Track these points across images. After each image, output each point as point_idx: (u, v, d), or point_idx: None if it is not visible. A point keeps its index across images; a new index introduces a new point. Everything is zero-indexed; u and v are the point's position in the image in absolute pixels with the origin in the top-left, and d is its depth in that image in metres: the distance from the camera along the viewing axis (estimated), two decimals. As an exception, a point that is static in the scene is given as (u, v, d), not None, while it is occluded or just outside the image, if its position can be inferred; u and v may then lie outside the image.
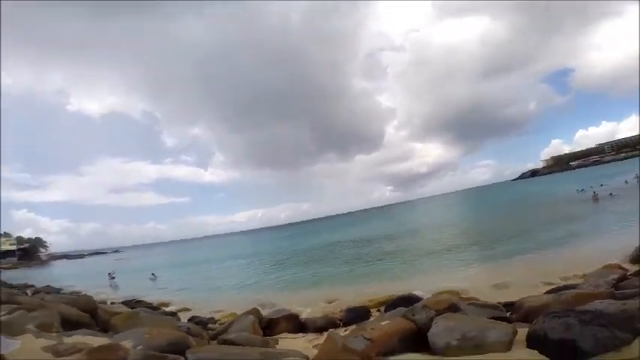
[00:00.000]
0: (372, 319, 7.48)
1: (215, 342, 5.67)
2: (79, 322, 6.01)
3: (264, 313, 8.26)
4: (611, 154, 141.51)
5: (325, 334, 6.67)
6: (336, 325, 7.54)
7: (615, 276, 5.40)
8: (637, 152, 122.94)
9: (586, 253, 10.83)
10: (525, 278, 8.89)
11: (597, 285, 5.06)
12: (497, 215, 30.68)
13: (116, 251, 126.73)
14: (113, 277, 24.77)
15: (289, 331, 7.06)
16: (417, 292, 8.76)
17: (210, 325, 8.34)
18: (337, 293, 11.47)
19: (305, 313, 8.90)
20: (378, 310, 8.46)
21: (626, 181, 33.99)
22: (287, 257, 27.94)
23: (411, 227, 35.79)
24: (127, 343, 3.87)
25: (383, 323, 4.40)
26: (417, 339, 3.99)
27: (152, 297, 16.33)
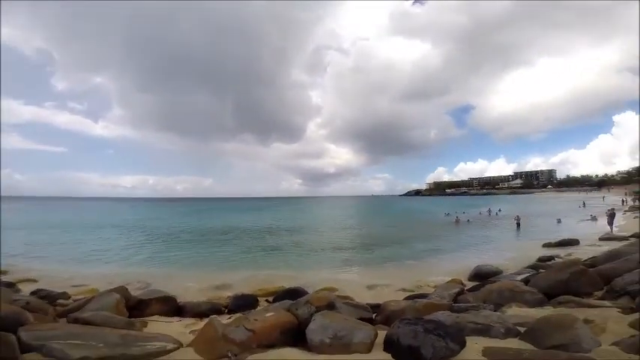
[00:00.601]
0: (258, 308, 7.54)
1: (64, 320, 4.81)
2: None
3: (136, 293, 7.40)
4: (476, 189, 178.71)
5: (206, 320, 6.43)
6: (220, 312, 7.28)
7: (456, 290, 6.77)
8: (494, 190, 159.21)
9: (440, 267, 13.25)
10: (392, 282, 10.29)
11: (442, 296, 6.27)
12: (382, 223, 34.72)
13: None
14: None
15: (163, 314, 6.45)
16: (305, 286, 9.28)
17: (60, 301, 6.98)
18: (227, 279, 11.14)
19: (187, 297, 8.32)
20: (267, 300, 8.51)
21: (480, 212, 43.23)
22: (177, 234, 25.78)
23: (310, 222, 37.71)
24: None
25: (267, 315, 4.45)
26: (297, 333, 4.16)
27: None
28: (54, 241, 20.84)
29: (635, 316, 3.46)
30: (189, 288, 9.71)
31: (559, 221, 28.03)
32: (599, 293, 5.07)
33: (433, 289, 8.16)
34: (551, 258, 11.92)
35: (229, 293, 9.12)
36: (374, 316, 5.60)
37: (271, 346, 3.97)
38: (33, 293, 7.42)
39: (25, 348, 3.08)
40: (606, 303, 4.28)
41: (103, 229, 28.80)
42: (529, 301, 4.95)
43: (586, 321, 3.44)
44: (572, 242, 15.72)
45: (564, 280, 5.38)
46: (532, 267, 10.22)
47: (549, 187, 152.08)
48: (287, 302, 5.70)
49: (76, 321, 4.34)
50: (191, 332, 5.22)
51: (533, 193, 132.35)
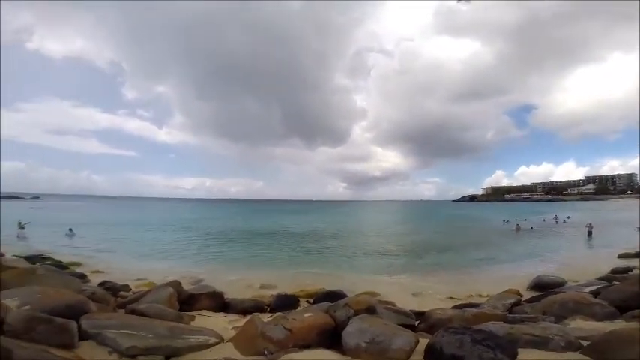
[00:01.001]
0: (299, 308, 7.63)
1: (122, 311, 5.26)
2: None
3: (188, 287, 7.93)
4: (540, 194, 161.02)
5: (248, 316, 6.68)
6: (262, 310, 7.49)
7: (512, 300, 6.14)
8: (561, 197, 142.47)
9: (496, 276, 12.13)
10: (440, 290, 9.71)
11: (495, 307, 5.71)
12: (434, 230, 32.90)
13: (36, 197, 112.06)
14: (23, 227, 21.66)
15: (210, 309, 6.81)
16: (346, 290, 9.16)
17: (122, 293, 7.69)
18: (272, 278, 11.49)
19: (232, 294, 8.73)
20: (307, 301, 8.57)
21: (544, 220, 39.00)
22: (228, 233, 27.29)
23: (356, 227, 37.32)
24: (12, 302, 3.41)
25: (305, 315, 4.47)
26: (334, 335, 4.10)
27: (63, 255, 14.58)
28: (123, 237, 23.28)
29: None
30: (236, 285, 10.20)
31: (639, 229, 24.19)
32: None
33: (486, 299, 7.50)
34: (627, 270, 10.31)
35: (272, 292, 9.36)
36: (417, 323, 5.32)
37: (307, 346, 3.95)
38: (100, 284, 8.24)
39: (84, 335, 3.38)
40: None
41: (165, 228, 31.54)
42: (597, 314, 4.28)
43: None
44: None
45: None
46: (604, 279, 8.93)
47: (628, 192, 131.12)
48: (326, 304, 5.65)
49: (132, 312, 4.74)
50: (233, 328, 5.44)
51: (608, 199, 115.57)
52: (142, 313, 4.57)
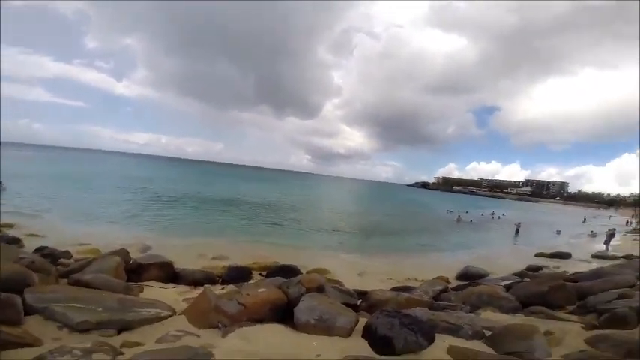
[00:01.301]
0: (251, 281, 7.89)
1: (65, 281, 5.08)
2: None
3: (136, 255, 7.76)
4: (484, 190, 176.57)
5: (200, 288, 6.74)
6: (214, 282, 7.61)
7: (440, 287, 7.02)
8: (501, 194, 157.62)
9: (432, 262, 13.51)
10: (383, 271, 10.66)
11: (426, 292, 6.53)
12: (386, 213, 34.90)
13: None
14: None
15: (160, 280, 6.78)
16: (299, 265, 9.58)
17: (62, 260, 7.22)
18: (226, 249, 11.59)
19: (183, 263, 8.71)
20: (260, 274, 8.87)
21: (482, 214, 43.26)
22: (183, 198, 26.39)
23: (315, 202, 38.28)
24: None
25: (259, 290, 4.70)
26: (286, 311, 4.40)
27: None
28: (61, 194, 21.27)
29: (594, 332, 3.65)
30: (187, 254, 10.08)
31: (558, 232, 28.01)
32: (572, 308, 5.28)
33: (420, 283, 8.44)
34: (539, 268, 12.06)
35: (225, 263, 9.52)
36: (359, 302, 5.90)
37: (260, 320, 4.19)
38: (37, 250, 7.58)
39: (29, 310, 3.30)
40: (573, 317, 4.48)
41: (112, 185, 29.46)
42: (504, 307, 5.16)
43: (547, 332, 3.64)
44: (564, 255, 15.78)
45: (542, 292, 5.58)
46: (519, 274, 10.43)
47: (557, 198, 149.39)
48: (279, 279, 5.95)
49: (77, 283, 4.59)
50: (184, 300, 5.47)
51: (540, 202, 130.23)
52: (87, 285, 4.46)
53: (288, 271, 8.75)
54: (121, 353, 3.10)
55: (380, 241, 17.73)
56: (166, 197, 25.13)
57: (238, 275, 8.05)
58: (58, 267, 6.02)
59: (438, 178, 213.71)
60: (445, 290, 7.04)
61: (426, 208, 48.72)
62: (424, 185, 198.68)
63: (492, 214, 43.47)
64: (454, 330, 3.58)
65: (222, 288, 7.06)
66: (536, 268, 11.88)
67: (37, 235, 10.47)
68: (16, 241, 8.47)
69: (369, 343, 3.50)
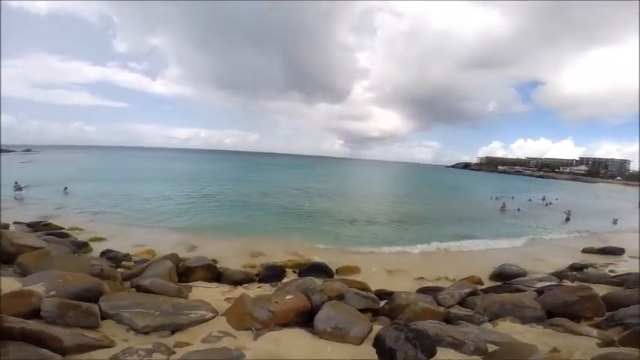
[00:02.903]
0: (285, 280, 8.63)
1: (128, 284, 6.09)
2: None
3: (184, 254, 8.82)
4: (532, 170, 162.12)
5: (239, 288, 7.61)
6: (252, 280, 8.46)
7: (467, 290, 7.03)
8: (552, 174, 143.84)
9: (468, 257, 13.29)
10: (415, 268, 10.80)
11: (452, 295, 6.65)
12: (423, 199, 34.05)
13: (27, 150, 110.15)
14: (20, 189, 21.62)
15: (205, 280, 7.76)
16: (331, 263, 10.23)
17: (124, 263, 8.56)
18: (262, 245, 12.52)
19: (225, 262, 9.73)
20: (294, 272, 9.64)
21: (529, 199, 39.52)
22: (220, 193, 27.98)
23: (348, 190, 38.45)
24: (39, 288, 4.09)
25: (286, 298, 5.36)
26: (309, 315, 5.02)
27: (63, 219, 15.29)
28: (117, 196, 23.63)
29: (604, 350, 3.63)
30: (228, 252, 11.21)
31: (615, 222, 25.24)
32: (600, 319, 5.13)
33: (449, 283, 8.55)
34: (584, 267, 11.28)
35: (262, 260, 10.46)
36: (384, 303, 6.28)
37: (286, 324, 4.90)
38: (102, 254, 9.14)
39: (104, 315, 4.11)
40: (594, 332, 4.39)
41: (159, 186, 31.91)
42: (527, 317, 5.16)
43: (554, 350, 3.70)
44: (615, 251, 14.38)
45: (570, 302, 5.46)
46: (558, 274, 9.98)
47: (618, 178, 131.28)
48: (308, 281, 6.49)
49: (138, 287, 5.54)
50: (226, 299, 6.30)
51: (597, 182, 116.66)
52: (146, 290, 5.37)
53: (319, 270, 9.40)
54: (174, 352, 3.83)
55: (415, 232, 17.56)
56: (208, 195, 26.91)
57: (273, 274, 8.83)
58: (121, 269, 7.14)
59: (481, 157, 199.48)
60: (473, 293, 7.08)
61: (468, 192, 46.38)
62: (466, 166, 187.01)
63: (543, 198, 39.77)
64: (458, 345, 3.81)
65: (259, 287, 7.88)
66: (580, 267, 11.17)
67: (101, 238, 12.16)
68: (84, 245, 10.28)
69: (377, 353, 3.88)
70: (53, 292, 4.10)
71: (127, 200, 22.05)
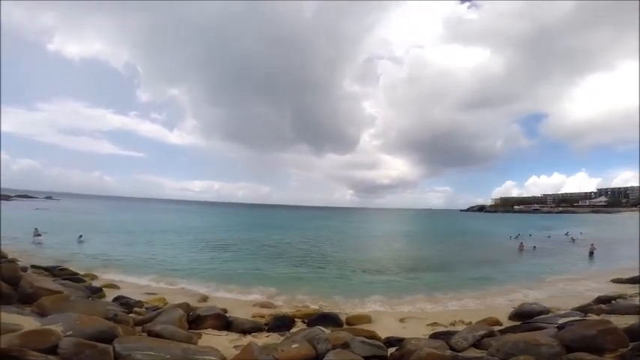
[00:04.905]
0: (293, 329, 8.48)
1: (140, 329, 6.25)
2: (-1, 292, 6.10)
3: (195, 304, 8.88)
4: (550, 206, 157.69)
5: (249, 336, 7.57)
6: (260, 330, 8.30)
7: (483, 332, 6.75)
8: (571, 209, 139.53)
9: (486, 300, 12.71)
10: (428, 314, 10.46)
11: (465, 339, 6.42)
12: (436, 245, 33.05)
13: (49, 197, 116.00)
14: (39, 234, 23.13)
15: (215, 328, 7.74)
16: (341, 312, 10.15)
17: (136, 309, 8.72)
18: (273, 296, 12.50)
19: (235, 312, 9.66)
20: (303, 322, 9.39)
21: (549, 236, 38.53)
22: (235, 245, 28.23)
23: (359, 239, 38.02)
24: (57, 327, 4.36)
25: (292, 346, 5.38)
26: None
27: (78, 264, 16.09)
28: (132, 245, 24.53)
29: None
30: (239, 302, 11.21)
31: None
32: (625, 350, 4.92)
33: (463, 327, 8.21)
34: (611, 299, 10.65)
35: (272, 311, 10.32)
36: (394, 350, 6.11)
37: None
38: (115, 299, 9.45)
39: (117, 356, 4.28)
40: None
41: (172, 237, 32.43)
42: (542, 354, 4.96)
43: None
44: None
45: (589, 337, 5.25)
46: (582, 309, 9.47)
47: None
48: (316, 330, 6.46)
49: (149, 332, 5.71)
50: (235, 347, 6.33)
51: (620, 212, 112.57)
52: (157, 335, 5.53)
53: (328, 320, 9.20)
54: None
55: (429, 279, 17.02)
56: (220, 246, 27.11)
57: (282, 324, 8.68)
58: (133, 314, 7.29)
59: (496, 199, 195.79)
60: (489, 335, 6.81)
61: (483, 235, 44.99)
62: (481, 208, 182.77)
63: (567, 234, 38.67)
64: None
65: (267, 336, 7.78)
66: (607, 299, 10.56)
67: (114, 286, 12.50)
68: (99, 291, 10.63)
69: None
70: (70, 332, 4.35)
71: (140, 250, 22.56)
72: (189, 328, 7.21)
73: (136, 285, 13.16)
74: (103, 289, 11.32)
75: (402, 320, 9.90)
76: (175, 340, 5.48)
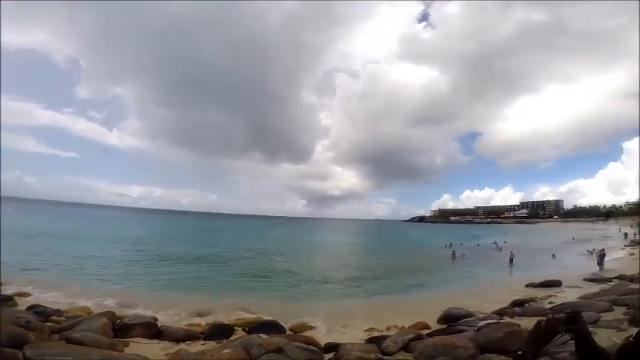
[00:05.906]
0: (232, 337, 8.21)
1: (58, 337, 5.65)
2: None
3: (122, 313, 8.17)
4: (481, 217, 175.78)
5: (182, 344, 7.17)
6: (196, 338, 7.94)
7: (411, 336, 7.32)
8: (498, 220, 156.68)
9: (418, 304, 13.56)
10: (367, 320, 10.87)
11: (395, 342, 6.90)
12: (379, 254, 34.47)
13: None
14: None
15: (145, 337, 7.19)
16: (284, 320, 10.08)
17: (54, 318, 7.80)
18: (212, 304, 11.90)
19: (170, 321, 9.11)
20: (244, 330, 9.12)
21: (478, 244, 42.92)
22: (171, 254, 26.29)
23: (307, 248, 38.26)
24: None
25: (224, 352, 5.27)
26: None
27: None
28: (55, 251, 21.87)
29: None
30: (174, 311, 10.50)
31: (553, 256, 28.26)
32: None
33: (396, 331, 8.78)
34: (524, 302, 12.17)
35: (211, 319, 9.91)
36: (332, 355, 6.31)
37: None
38: (29, 308, 8.31)
39: None
40: None
41: (104, 243, 29.66)
42: (460, 356, 5.58)
43: None
44: (554, 283, 15.83)
45: (498, 339, 6.03)
46: (499, 312, 10.69)
47: (555, 217, 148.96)
48: (254, 337, 6.40)
49: (68, 340, 5.18)
50: (166, 355, 5.98)
51: (537, 223, 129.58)
52: (77, 342, 5.05)
53: (270, 327, 9.12)
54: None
55: (371, 286, 17.72)
56: (156, 254, 25.17)
57: (220, 332, 8.39)
58: (50, 324, 6.51)
59: (434, 210, 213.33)
60: (418, 338, 7.38)
61: (421, 244, 48.32)
62: (421, 219, 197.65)
63: (495, 243, 43.19)
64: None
65: (203, 344, 7.47)
66: (521, 303, 12.03)
67: (27, 294, 11.14)
68: (8, 299, 9.30)
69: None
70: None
71: (65, 257, 20.12)
72: (116, 337, 6.63)
73: (56, 293, 11.77)
74: (14, 297, 9.92)
75: (343, 327, 10.21)
76: (97, 347, 5.03)
